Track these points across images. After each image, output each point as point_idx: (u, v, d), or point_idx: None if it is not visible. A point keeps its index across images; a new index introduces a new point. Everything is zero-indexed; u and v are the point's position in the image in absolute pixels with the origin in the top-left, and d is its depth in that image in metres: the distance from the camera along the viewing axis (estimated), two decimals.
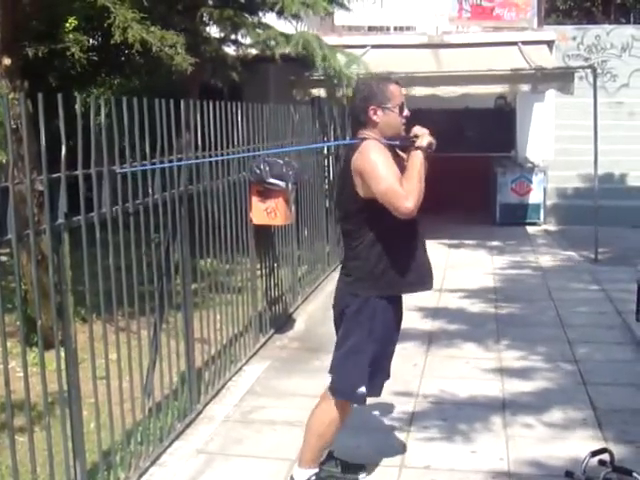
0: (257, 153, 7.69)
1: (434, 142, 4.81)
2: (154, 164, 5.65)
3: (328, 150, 12.10)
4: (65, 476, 4.60)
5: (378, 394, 5.05)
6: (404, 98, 4.92)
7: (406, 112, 4.87)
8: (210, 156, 6.77)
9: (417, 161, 4.71)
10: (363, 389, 4.85)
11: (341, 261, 5.15)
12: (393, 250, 4.77)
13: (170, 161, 5.90)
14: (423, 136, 4.79)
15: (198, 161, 6.45)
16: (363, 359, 4.82)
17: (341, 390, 4.92)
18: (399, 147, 4.90)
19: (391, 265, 4.77)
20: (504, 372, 7.40)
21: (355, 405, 5.07)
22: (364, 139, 4.77)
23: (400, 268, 4.80)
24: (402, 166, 4.74)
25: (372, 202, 4.64)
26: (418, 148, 4.74)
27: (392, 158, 4.70)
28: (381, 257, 4.76)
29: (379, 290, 4.79)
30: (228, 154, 7.15)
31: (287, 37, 12.49)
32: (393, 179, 4.58)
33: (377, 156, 4.62)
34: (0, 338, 4.09)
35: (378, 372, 4.92)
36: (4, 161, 5.92)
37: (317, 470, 5.04)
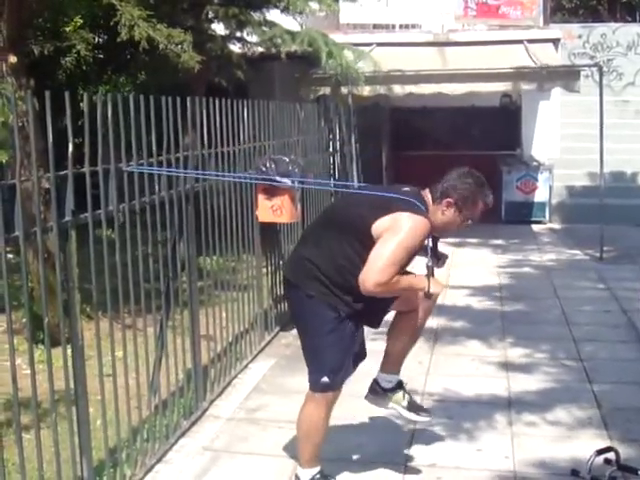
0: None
1: (436, 296, 4.90)
2: (161, 162, 5.66)
3: (333, 148, 12.09)
4: (71, 473, 4.62)
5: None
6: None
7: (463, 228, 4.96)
8: (216, 154, 6.78)
9: (416, 284, 4.75)
10: (325, 379, 4.84)
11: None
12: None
13: (177, 158, 5.91)
14: (437, 286, 4.78)
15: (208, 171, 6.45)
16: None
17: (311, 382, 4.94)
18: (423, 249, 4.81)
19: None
20: (509, 370, 7.40)
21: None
22: (422, 203, 4.75)
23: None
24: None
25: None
26: (428, 295, 4.77)
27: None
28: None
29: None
30: (234, 151, 7.17)
31: (293, 34, 12.47)
32: (398, 261, 4.56)
33: (415, 235, 4.60)
34: (7, 335, 4.11)
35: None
36: (4, 161, 5.93)
37: (319, 468, 5.02)
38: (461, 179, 4.83)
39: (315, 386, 4.88)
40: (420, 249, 4.68)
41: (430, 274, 4.72)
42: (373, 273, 4.52)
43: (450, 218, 4.79)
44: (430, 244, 4.72)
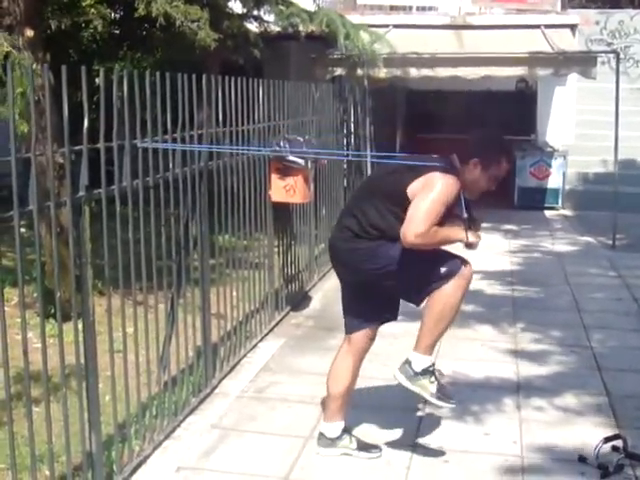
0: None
1: (476, 246, 5.03)
2: (175, 139, 5.66)
3: (347, 129, 12.09)
4: (80, 447, 4.64)
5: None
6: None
7: (491, 187, 5.12)
8: (231, 132, 6.77)
9: (455, 235, 4.92)
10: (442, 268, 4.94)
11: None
12: None
13: (191, 136, 5.91)
14: (477, 238, 5.01)
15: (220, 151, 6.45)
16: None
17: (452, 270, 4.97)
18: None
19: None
20: (519, 355, 7.41)
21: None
22: (452, 165, 4.99)
23: None
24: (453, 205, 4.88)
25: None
26: (468, 245, 4.97)
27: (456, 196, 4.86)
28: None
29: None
30: (248, 130, 7.17)
31: (310, 14, 12.43)
32: (434, 213, 4.76)
33: (447, 190, 4.82)
34: (19, 309, 4.12)
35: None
36: (26, 131, 5.92)
37: (432, 359, 5.10)
38: (484, 140, 5.19)
39: (446, 274, 4.93)
40: (454, 204, 4.86)
41: (467, 227, 4.91)
42: (413, 224, 4.71)
43: (478, 177, 5.02)
44: (464, 200, 4.92)
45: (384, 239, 4.94)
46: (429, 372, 5.07)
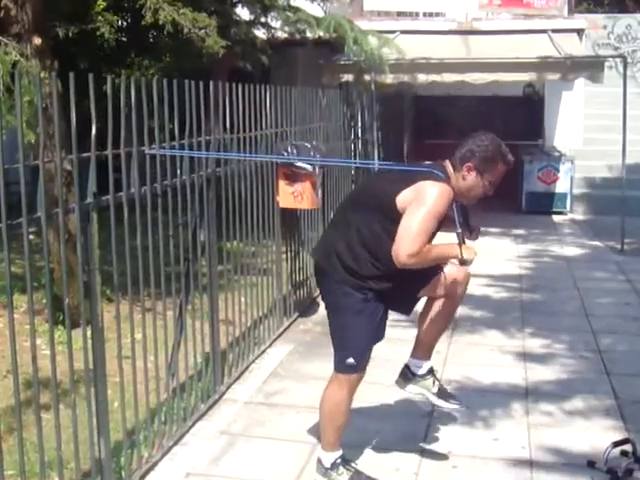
0: None
1: (470, 262, 4.82)
2: (183, 145, 5.67)
3: (355, 135, 12.10)
4: (89, 453, 4.65)
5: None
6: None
7: (489, 192, 4.94)
8: (238, 139, 6.79)
9: (448, 251, 4.73)
10: (351, 360, 4.84)
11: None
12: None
13: (198, 142, 5.92)
14: (471, 253, 4.74)
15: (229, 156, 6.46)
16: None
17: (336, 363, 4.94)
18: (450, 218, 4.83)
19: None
20: (527, 360, 7.40)
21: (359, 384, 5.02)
22: (443, 173, 4.78)
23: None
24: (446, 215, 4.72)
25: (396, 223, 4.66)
26: (462, 262, 4.76)
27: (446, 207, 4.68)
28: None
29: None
30: (256, 137, 7.18)
31: (318, 20, 12.45)
32: (426, 229, 4.58)
33: (439, 201, 4.60)
34: (28, 316, 4.13)
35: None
36: (33, 140, 5.94)
37: (341, 452, 5.02)
38: (477, 142, 4.85)
39: (340, 366, 4.89)
40: (446, 215, 4.68)
41: (461, 241, 4.73)
42: (404, 244, 4.54)
43: (473, 182, 4.82)
44: (456, 212, 4.73)
45: (367, 258, 4.78)
46: (430, 374, 5.19)
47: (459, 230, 4.73)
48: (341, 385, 4.91)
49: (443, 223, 4.71)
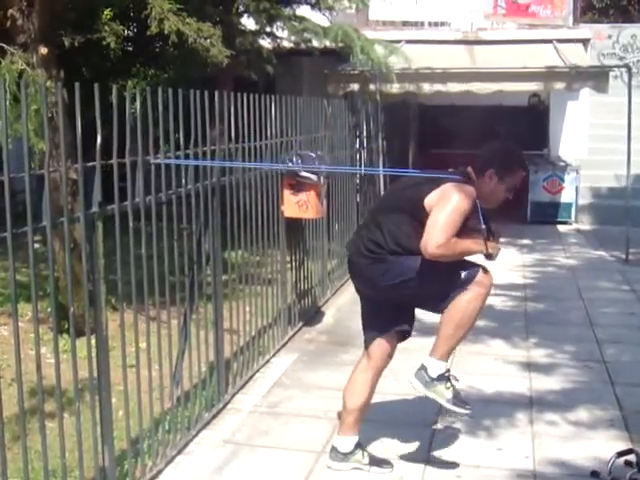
0: None
1: (495, 257, 5.11)
2: (188, 155, 5.69)
3: (360, 144, 12.11)
4: (93, 462, 4.66)
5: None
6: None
7: (509, 196, 5.22)
8: (243, 148, 6.80)
9: (474, 246, 4.97)
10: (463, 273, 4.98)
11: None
12: None
13: (204, 152, 5.94)
14: (496, 249, 5.09)
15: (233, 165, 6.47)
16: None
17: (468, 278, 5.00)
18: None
19: None
20: (532, 369, 7.39)
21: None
22: (468, 177, 5.07)
23: None
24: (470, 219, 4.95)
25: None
26: (488, 256, 5.04)
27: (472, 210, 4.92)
28: None
29: None
30: (261, 146, 7.20)
31: (325, 29, 12.47)
32: (453, 223, 4.82)
33: (464, 200, 4.88)
34: (33, 324, 4.14)
35: None
36: (43, 148, 5.97)
37: (447, 364, 5.11)
38: (495, 150, 5.33)
39: (465, 281, 4.95)
40: (472, 215, 4.92)
41: (486, 237, 4.97)
42: (432, 235, 4.77)
43: (494, 188, 5.12)
44: (481, 211, 4.98)
45: (402, 252, 4.98)
46: (445, 378, 5.08)
47: (483, 226, 4.97)
48: (479, 294, 5.00)
49: (468, 225, 4.92)
